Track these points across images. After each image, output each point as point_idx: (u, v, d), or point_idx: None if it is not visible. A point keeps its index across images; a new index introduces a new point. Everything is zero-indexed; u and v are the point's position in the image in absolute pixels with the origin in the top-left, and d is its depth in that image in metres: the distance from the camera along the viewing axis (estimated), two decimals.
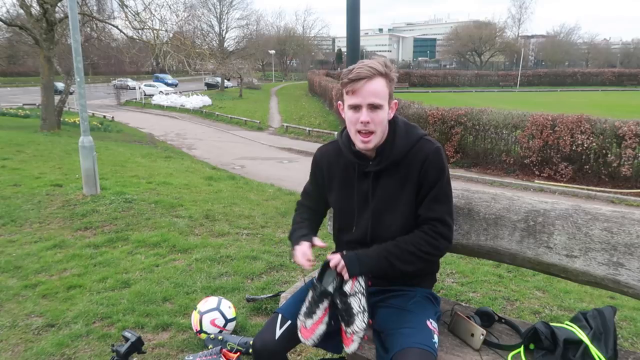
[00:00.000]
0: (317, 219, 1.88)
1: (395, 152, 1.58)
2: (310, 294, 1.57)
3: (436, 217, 1.56)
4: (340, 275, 1.54)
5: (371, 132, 1.52)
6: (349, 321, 1.48)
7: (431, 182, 1.56)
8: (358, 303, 1.50)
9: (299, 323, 1.56)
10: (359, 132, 1.53)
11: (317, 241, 1.69)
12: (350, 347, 1.49)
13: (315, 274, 1.58)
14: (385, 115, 1.53)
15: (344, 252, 1.56)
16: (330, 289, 1.55)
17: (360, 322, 1.48)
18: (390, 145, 1.58)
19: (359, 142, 1.55)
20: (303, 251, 1.65)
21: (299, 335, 1.55)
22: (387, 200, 1.61)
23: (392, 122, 1.60)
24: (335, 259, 1.54)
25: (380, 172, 1.61)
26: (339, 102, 1.63)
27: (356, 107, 1.51)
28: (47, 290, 3.06)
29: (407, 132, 1.61)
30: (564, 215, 1.67)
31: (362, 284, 1.54)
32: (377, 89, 1.49)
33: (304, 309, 1.56)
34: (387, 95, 1.52)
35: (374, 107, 1.50)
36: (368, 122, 1.50)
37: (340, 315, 1.52)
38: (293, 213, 1.92)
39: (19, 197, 5.50)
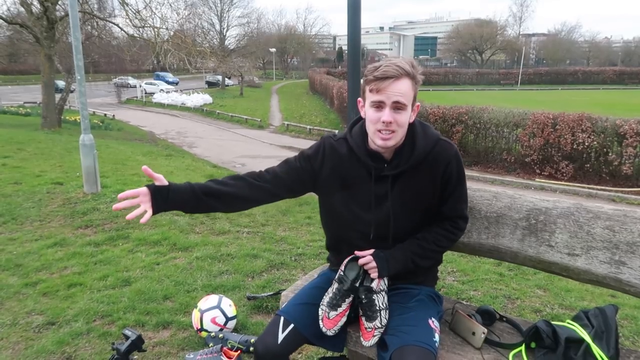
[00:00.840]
0: (255, 194, 1.64)
1: (416, 154, 1.54)
2: (335, 285, 1.58)
3: (460, 215, 1.65)
4: (365, 270, 1.58)
5: (392, 132, 1.47)
6: (372, 317, 1.53)
7: (455, 184, 1.60)
8: (381, 300, 1.55)
9: (321, 312, 1.58)
10: (379, 131, 1.48)
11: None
12: (371, 341, 1.53)
13: (342, 266, 1.61)
14: (407, 117, 1.49)
15: (375, 252, 1.58)
16: (352, 279, 1.59)
17: (383, 319, 1.54)
18: (410, 148, 1.55)
19: (378, 140, 1.48)
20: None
21: (320, 324, 1.56)
22: (405, 203, 1.58)
23: (410, 124, 1.56)
24: (366, 259, 1.56)
25: (398, 175, 1.57)
26: (359, 98, 1.56)
27: (379, 106, 1.45)
28: (47, 288, 3.06)
29: (425, 133, 1.58)
30: (565, 214, 1.66)
31: (386, 282, 1.60)
32: (403, 89, 1.43)
33: (327, 299, 1.58)
34: (412, 97, 1.47)
35: (398, 107, 1.45)
36: (390, 122, 1.44)
37: (362, 310, 1.56)
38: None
39: (20, 195, 5.51)
